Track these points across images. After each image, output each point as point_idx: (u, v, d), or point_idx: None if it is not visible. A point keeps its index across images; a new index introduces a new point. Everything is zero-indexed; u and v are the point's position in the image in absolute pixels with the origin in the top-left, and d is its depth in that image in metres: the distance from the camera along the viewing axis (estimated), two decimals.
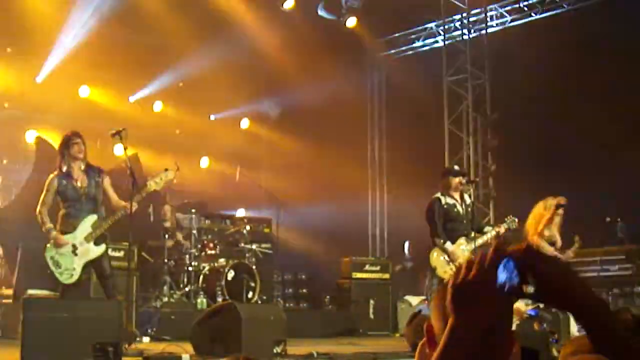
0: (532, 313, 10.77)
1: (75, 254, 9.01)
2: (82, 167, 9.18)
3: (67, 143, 9.15)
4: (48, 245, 9.05)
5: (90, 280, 9.97)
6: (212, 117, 18.34)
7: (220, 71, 16.51)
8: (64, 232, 9.06)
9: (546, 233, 11.19)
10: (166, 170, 9.53)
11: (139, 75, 16.06)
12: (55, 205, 9.17)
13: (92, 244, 9.07)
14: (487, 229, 10.89)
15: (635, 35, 14.26)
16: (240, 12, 16.02)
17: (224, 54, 16.26)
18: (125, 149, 9.13)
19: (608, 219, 13.36)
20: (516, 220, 10.86)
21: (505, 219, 10.92)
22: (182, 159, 14.63)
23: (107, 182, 9.28)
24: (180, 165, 13.05)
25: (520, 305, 10.29)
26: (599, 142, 14.42)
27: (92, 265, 9.18)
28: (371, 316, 14.42)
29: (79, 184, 9.11)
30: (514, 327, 9.26)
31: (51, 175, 9.17)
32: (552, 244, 11.16)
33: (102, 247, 9.14)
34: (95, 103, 15.91)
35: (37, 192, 12.42)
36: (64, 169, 9.11)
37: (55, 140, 13.85)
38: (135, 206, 9.03)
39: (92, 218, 9.13)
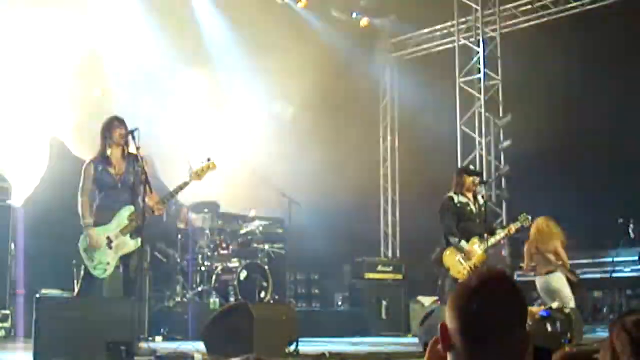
0: (545, 314, 10.75)
1: (110, 247, 8.69)
2: (124, 153, 8.89)
3: (109, 127, 8.84)
4: (82, 237, 8.73)
5: (104, 279, 9.83)
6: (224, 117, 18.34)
7: (233, 68, 16.55)
8: (98, 223, 8.72)
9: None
10: (208, 159, 9.25)
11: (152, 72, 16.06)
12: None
13: (128, 237, 8.75)
14: (498, 231, 10.88)
15: None
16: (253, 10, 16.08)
17: (236, 50, 16.32)
18: (137, 148, 8.87)
19: (620, 220, 13.31)
20: (529, 218, 10.85)
21: (519, 217, 10.91)
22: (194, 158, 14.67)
23: (149, 170, 9.00)
24: (192, 165, 13.13)
25: (532, 307, 10.28)
26: (612, 143, 14.39)
27: (122, 260, 8.84)
28: (383, 316, 14.44)
29: (115, 170, 8.81)
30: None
31: (87, 160, 8.89)
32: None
33: (138, 240, 8.76)
34: (108, 102, 15.92)
35: (50, 192, 12.54)
36: (104, 153, 8.82)
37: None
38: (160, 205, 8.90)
39: (129, 209, 8.82)
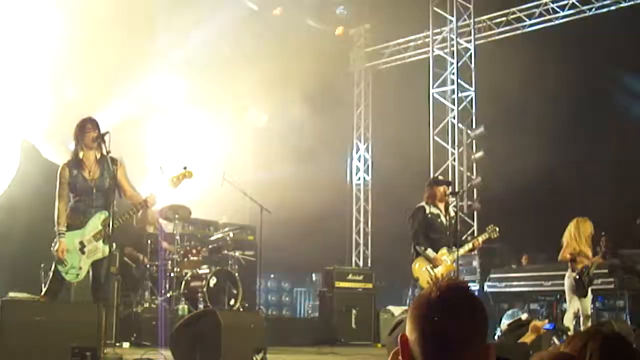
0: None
1: (83, 252, 8.51)
2: (97, 156, 8.67)
3: (82, 129, 8.62)
4: (55, 241, 8.48)
5: (72, 284, 9.71)
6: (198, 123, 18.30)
7: (208, 77, 16.49)
8: (71, 228, 8.51)
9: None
10: (185, 168, 9.10)
11: (125, 77, 15.98)
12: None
13: (101, 242, 8.55)
14: (467, 244, 10.88)
15: (624, 48, 14.35)
16: (231, 19, 16.03)
17: (211, 60, 16.26)
18: (108, 152, 8.74)
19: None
20: (497, 229, 10.87)
21: (487, 228, 10.94)
22: (166, 164, 14.61)
23: (121, 172, 8.77)
24: (165, 170, 13.06)
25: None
26: (588, 150, 14.51)
27: (93, 265, 8.61)
28: (353, 326, 14.39)
29: (90, 174, 8.62)
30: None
31: (62, 164, 8.68)
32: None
33: (112, 245, 8.65)
34: (80, 106, 15.81)
35: (20, 195, 12.44)
36: (77, 156, 8.59)
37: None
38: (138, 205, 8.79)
39: (103, 214, 8.61)
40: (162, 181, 9.12)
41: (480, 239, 10.79)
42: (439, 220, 10.51)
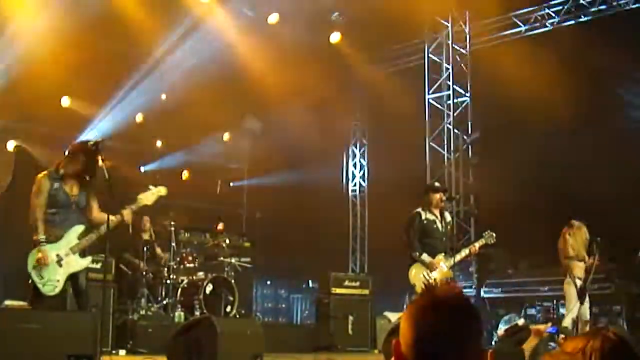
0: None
1: (60, 265, 8.56)
2: (80, 174, 8.75)
3: (82, 149, 8.76)
4: (33, 252, 8.50)
5: (67, 292, 9.73)
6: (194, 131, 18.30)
7: (204, 85, 16.47)
8: (49, 241, 8.53)
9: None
10: (157, 186, 9.25)
11: (120, 86, 15.98)
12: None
13: (77, 255, 8.65)
14: (463, 250, 10.87)
15: (620, 53, 14.35)
16: (225, 27, 16.02)
17: (208, 67, 16.24)
18: (103, 160, 8.79)
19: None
20: (494, 235, 10.86)
21: (483, 234, 10.94)
22: (162, 172, 14.61)
23: (92, 192, 8.91)
24: (161, 178, 13.08)
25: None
26: (583, 151, 14.49)
27: (70, 276, 8.69)
28: (350, 332, 14.36)
29: (71, 190, 8.70)
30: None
31: (41, 175, 8.70)
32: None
33: (88, 259, 8.74)
34: (76, 113, 15.80)
35: (15, 202, 12.40)
36: (59, 170, 8.67)
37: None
38: (115, 219, 8.79)
39: (79, 228, 8.72)
40: (139, 195, 9.18)
41: (477, 245, 10.80)
42: (435, 226, 10.53)
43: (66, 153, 8.92)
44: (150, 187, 9.22)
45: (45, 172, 8.74)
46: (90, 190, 8.79)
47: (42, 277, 8.46)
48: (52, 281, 8.49)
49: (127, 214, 8.83)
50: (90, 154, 8.70)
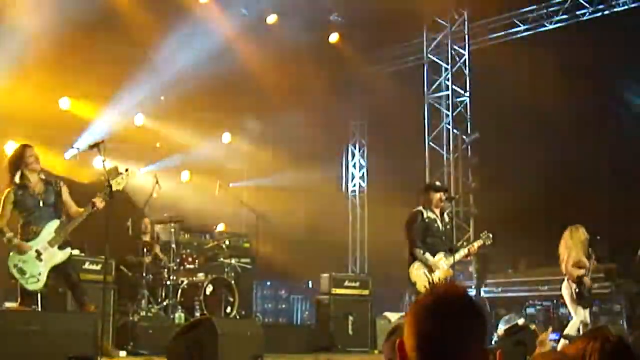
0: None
1: (40, 260, 8.94)
2: (42, 176, 9.26)
3: (22, 156, 9.19)
4: (11, 253, 8.93)
5: (67, 294, 9.80)
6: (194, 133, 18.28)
7: (204, 85, 16.47)
8: (26, 240, 8.98)
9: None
10: (126, 170, 9.52)
11: (120, 87, 15.96)
12: (14, 217, 9.14)
13: (56, 248, 9.03)
14: (462, 250, 10.88)
15: (620, 53, 14.37)
16: (224, 27, 16.01)
17: (207, 67, 16.23)
18: (103, 161, 9.02)
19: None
20: (491, 236, 10.88)
21: (481, 235, 10.95)
22: (162, 173, 14.60)
23: (65, 191, 9.35)
24: (160, 179, 13.09)
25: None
26: (583, 158, 14.50)
27: (57, 271, 9.11)
28: (350, 332, 14.34)
29: (36, 191, 9.12)
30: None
31: (7, 190, 9.12)
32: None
33: (67, 250, 9.13)
34: (75, 115, 15.79)
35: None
36: (19, 181, 9.10)
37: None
38: (88, 208, 9.04)
39: (55, 223, 9.13)
40: (121, 178, 9.38)
41: (475, 245, 10.82)
42: (436, 225, 10.55)
43: (13, 158, 9.37)
44: (121, 172, 9.47)
45: (9, 188, 9.14)
46: (61, 188, 9.32)
47: (24, 274, 8.83)
48: (35, 276, 8.92)
49: (99, 201, 9.09)
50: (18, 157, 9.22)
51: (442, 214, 10.75)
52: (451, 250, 10.55)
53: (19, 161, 9.17)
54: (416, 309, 2.26)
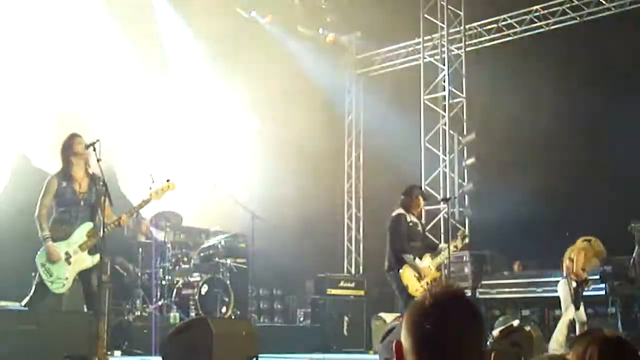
0: None
1: (69, 263, 8.67)
2: (88, 170, 8.94)
3: (69, 143, 8.89)
4: (40, 251, 8.67)
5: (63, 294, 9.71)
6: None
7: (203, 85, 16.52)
8: (57, 238, 8.69)
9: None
10: (168, 180, 9.32)
11: (119, 87, 15.95)
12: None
13: (86, 252, 8.74)
14: (442, 245, 10.89)
15: (614, 56, 14.38)
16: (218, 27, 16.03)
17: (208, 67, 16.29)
18: (98, 161, 8.81)
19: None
20: (466, 232, 11.03)
21: (457, 234, 11.00)
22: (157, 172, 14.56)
23: (103, 190, 8.82)
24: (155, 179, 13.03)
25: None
26: (578, 160, 14.51)
27: (81, 275, 8.80)
28: (345, 333, 14.39)
29: (79, 188, 8.83)
30: None
31: (51, 175, 8.89)
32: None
33: (96, 256, 8.74)
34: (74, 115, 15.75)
35: (11, 205, 12.37)
36: (67, 170, 8.82)
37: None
38: (116, 222, 8.84)
39: (88, 226, 8.83)
40: (148, 192, 9.22)
41: (456, 244, 10.80)
42: (418, 229, 10.51)
43: (62, 145, 9.00)
44: (159, 182, 9.25)
45: (55, 173, 8.89)
46: (102, 190, 8.71)
47: (51, 275, 8.53)
48: (61, 279, 8.59)
49: (124, 218, 8.94)
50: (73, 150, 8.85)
51: (420, 217, 10.81)
52: (434, 249, 10.61)
53: (67, 151, 8.87)
54: (413, 312, 2.26)
